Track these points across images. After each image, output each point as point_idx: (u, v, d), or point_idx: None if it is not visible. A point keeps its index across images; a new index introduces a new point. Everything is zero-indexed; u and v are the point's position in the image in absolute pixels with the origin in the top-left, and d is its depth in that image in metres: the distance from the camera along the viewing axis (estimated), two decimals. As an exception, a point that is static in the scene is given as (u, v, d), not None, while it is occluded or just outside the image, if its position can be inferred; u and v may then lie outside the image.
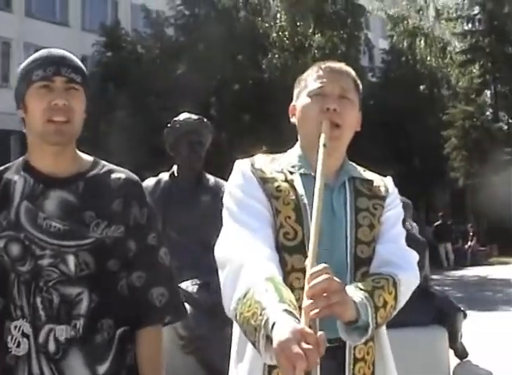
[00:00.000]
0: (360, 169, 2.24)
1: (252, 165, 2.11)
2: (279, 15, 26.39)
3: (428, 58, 34.91)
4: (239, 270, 1.84)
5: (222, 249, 1.97)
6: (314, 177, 1.97)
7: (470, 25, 35.32)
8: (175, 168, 4.30)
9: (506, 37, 33.57)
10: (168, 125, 4.34)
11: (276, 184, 2.06)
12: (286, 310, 1.62)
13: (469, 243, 27.88)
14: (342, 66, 2.21)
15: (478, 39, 34.41)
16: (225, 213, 2.07)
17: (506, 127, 34.04)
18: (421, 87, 33.84)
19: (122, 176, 2.18)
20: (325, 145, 2.00)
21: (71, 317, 2.02)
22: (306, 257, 1.85)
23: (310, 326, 1.58)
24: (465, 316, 4.90)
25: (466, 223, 30.60)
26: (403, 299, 2.00)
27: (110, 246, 2.07)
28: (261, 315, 1.66)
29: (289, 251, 1.98)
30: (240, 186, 2.07)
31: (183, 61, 24.15)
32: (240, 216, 2.00)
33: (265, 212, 2.01)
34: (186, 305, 3.62)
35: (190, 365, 3.82)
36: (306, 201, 2.02)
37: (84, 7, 31.84)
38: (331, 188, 2.08)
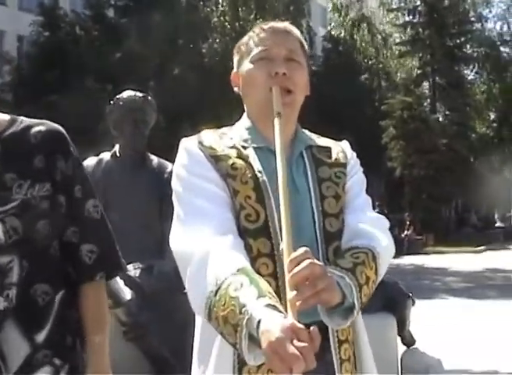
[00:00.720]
0: (313, 136, 2.09)
1: (200, 142, 1.92)
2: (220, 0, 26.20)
3: (370, 48, 35.21)
4: (204, 263, 1.67)
5: (180, 241, 1.79)
6: (270, 150, 1.86)
7: (410, 16, 35.72)
8: (117, 147, 4.08)
9: (445, 30, 34.15)
10: (111, 102, 4.12)
11: (230, 162, 1.87)
12: (269, 305, 1.49)
13: (405, 232, 28.31)
14: (286, 25, 2.05)
15: (418, 31, 34.88)
16: (175, 199, 1.88)
17: (442, 119, 34.63)
18: (362, 78, 34.08)
19: (42, 128, 1.97)
20: (279, 114, 1.84)
21: (3, 287, 1.84)
22: (271, 240, 1.77)
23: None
24: (413, 302, 4.85)
25: (402, 213, 31.06)
26: (382, 272, 1.88)
27: (37, 207, 1.88)
28: (241, 313, 1.51)
29: (252, 235, 1.80)
30: (189, 167, 1.88)
31: (123, 44, 23.74)
32: (193, 201, 1.81)
33: (222, 194, 1.83)
34: (128, 290, 3.56)
35: (133, 352, 3.62)
36: (265, 177, 1.85)
37: (22, -15, 31.03)
38: (288, 160, 1.90)
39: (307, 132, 2.08)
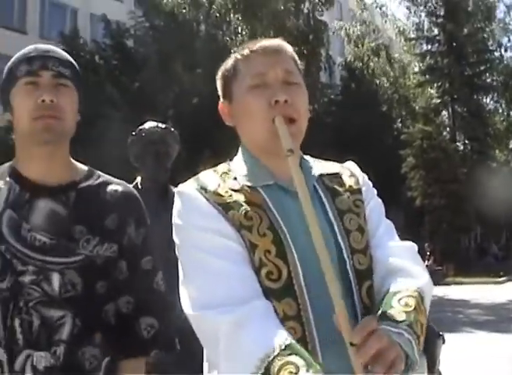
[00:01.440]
0: (314, 162, 1.87)
1: (203, 188, 1.68)
2: (239, 28, 26.26)
3: (386, 78, 35.18)
4: (235, 339, 1.46)
5: (196, 309, 1.56)
6: (281, 188, 1.71)
7: (429, 45, 35.68)
8: (138, 180, 3.97)
9: (464, 59, 34.01)
10: (133, 133, 4.02)
11: (242, 210, 1.64)
12: None
13: (426, 262, 27.99)
14: (278, 43, 1.80)
15: (437, 60, 34.79)
16: (181, 257, 1.66)
17: (462, 148, 34.44)
18: (381, 107, 34.00)
19: (120, 189, 1.94)
20: (291, 151, 1.61)
21: (51, 343, 1.74)
22: (297, 300, 1.59)
23: None
24: (444, 341, 4.68)
25: (422, 243, 30.76)
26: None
27: (100, 266, 1.82)
28: None
29: (276, 295, 1.58)
30: (194, 220, 1.64)
31: (142, 73, 23.83)
32: (206, 260, 1.58)
33: (238, 249, 1.60)
34: None
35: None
36: (283, 225, 1.64)
37: (43, 14, 31.40)
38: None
39: (308, 158, 1.87)
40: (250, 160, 1.77)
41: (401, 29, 36.61)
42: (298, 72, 1.80)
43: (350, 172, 1.89)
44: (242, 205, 1.65)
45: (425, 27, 35.74)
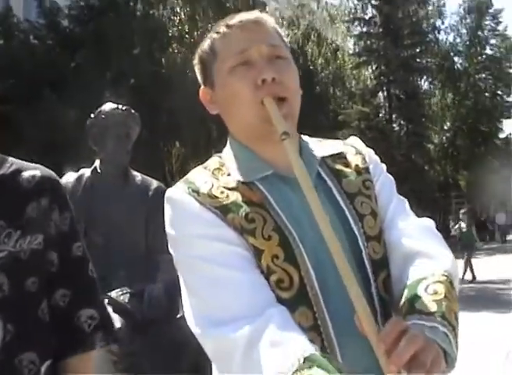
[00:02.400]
0: (315, 142, 1.68)
1: (195, 191, 1.50)
2: (177, 8, 25.96)
3: (322, 60, 35.31)
4: (250, 359, 1.30)
5: (207, 324, 1.39)
6: (279, 177, 1.53)
7: (365, 27, 35.91)
8: (97, 163, 3.82)
9: (400, 41, 34.34)
10: (92, 116, 3.86)
11: (242, 212, 1.46)
12: None
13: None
14: (257, 15, 1.61)
15: (373, 41, 35.05)
16: (185, 274, 1.49)
17: (397, 129, 34.89)
18: (317, 88, 34.13)
19: (37, 173, 1.72)
20: (286, 134, 1.43)
21: None
22: (312, 308, 1.42)
23: None
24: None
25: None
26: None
27: (27, 261, 1.61)
28: None
29: (289, 305, 1.40)
30: (191, 228, 1.46)
31: (78, 53, 23.34)
32: (211, 270, 1.41)
33: (244, 253, 1.43)
34: (117, 317, 3.29)
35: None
36: (287, 221, 1.47)
37: (-28, -8, 30.38)
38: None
39: (305, 138, 1.69)
40: (242, 151, 1.58)
41: (336, 11, 36.77)
42: (284, 45, 1.62)
43: (355, 149, 1.69)
44: (241, 206, 1.47)
45: (362, 9, 35.97)
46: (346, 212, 1.53)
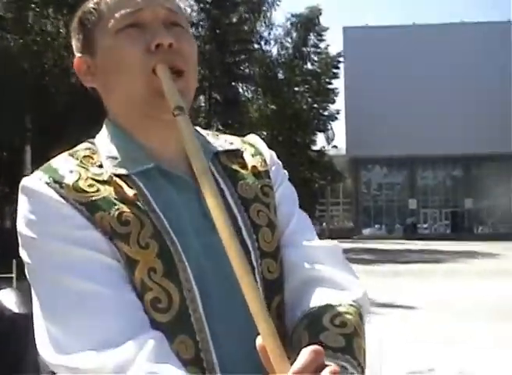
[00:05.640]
0: (206, 134, 1.42)
1: (56, 181, 1.19)
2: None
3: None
4: None
5: (62, 351, 1.09)
6: (163, 172, 1.26)
7: (193, 29, 36.03)
8: None
9: (226, 47, 34.74)
10: None
11: (115, 210, 1.17)
12: None
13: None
14: None
15: (198, 45, 35.12)
16: (37, 286, 1.17)
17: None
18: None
19: None
20: (181, 109, 1.17)
21: None
22: (195, 337, 1.15)
23: None
24: None
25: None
26: None
27: None
28: None
29: (166, 332, 1.12)
30: (47, 228, 1.15)
31: None
32: (68, 283, 1.11)
33: (112, 263, 1.15)
34: None
35: None
36: (168, 226, 1.20)
37: None
38: (192, 185, 1.25)
39: (198, 129, 1.41)
40: (120, 137, 1.29)
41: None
42: (184, 15, 1.35)
43: (255, 149, 1.43)
44: (114, 204, 1.18)
45: (190, 11, 36.02)
46: (239, 221, 1.27)
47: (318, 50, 44.64)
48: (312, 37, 44.21)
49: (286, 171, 1.47)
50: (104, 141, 1.31)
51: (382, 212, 64.88)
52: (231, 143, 1.41)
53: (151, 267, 1.15)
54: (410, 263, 25.03)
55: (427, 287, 16.64)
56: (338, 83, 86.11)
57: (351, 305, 1.21)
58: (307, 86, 43.44)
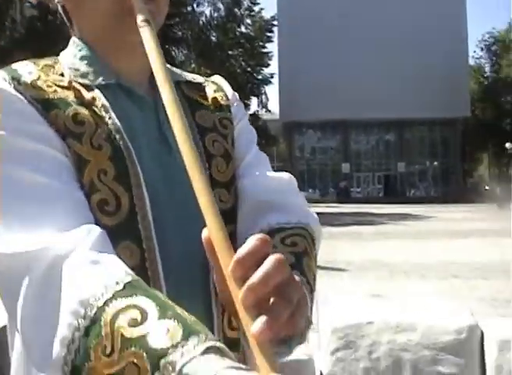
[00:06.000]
0: (170, 66, 1.36)
1: (14, 78, 1.15)
2: None
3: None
4: (55, 278, 0.93)
5: (2, 242, 1.00)
6: (124, 88, 1.23)
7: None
8: None
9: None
10: None
11: (71, 110, 1.15)
12: (213, 349, 0.79)
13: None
14: None
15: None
16: None
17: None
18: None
19: None
20: (147, 22, 1.14)
21: None
22: (141, 244, 1.11)
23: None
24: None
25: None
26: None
27: None
28: (156, 368, 0.78)
29: (111, 235, 1.05)
30: (2, 122, 1.11)
31: None
32: (16, 174, 1.05)
33: (63, 160, 1.10)
34: None
35: None
36: (124, 134, 1.17)
37: None
38: (150, 103, 1.25)
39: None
40: (86, 54, 1.26)
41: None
42: None
43: (217, 86, 1.43)
44: (70, 105, 1.15)
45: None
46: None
47: (252, 13, 44.33)
48: (246, 1, 43.94)
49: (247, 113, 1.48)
50: (68, 56, 1.28)
51: (316, 176, 65.62)
52: (193, 78, 1.42)
53: (102, 169, 1.12)
54: (344, 226, 25.30)
55: (362, 249, 16.89)
56: (272, 47, 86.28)
57: (303, 228, 1.22)
58: (240, 49, 43.24)
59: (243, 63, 43.68)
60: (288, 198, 1.30)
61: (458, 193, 58.97)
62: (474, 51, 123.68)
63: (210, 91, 1.40)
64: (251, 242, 0.85)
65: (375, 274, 12.24)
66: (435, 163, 64.85)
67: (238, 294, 0.81)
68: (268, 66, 46.92)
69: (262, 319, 0.78)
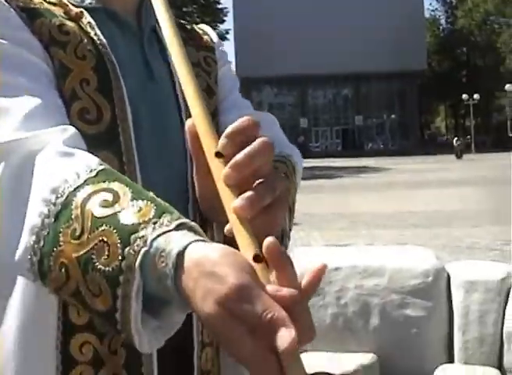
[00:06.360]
0: None
1: None
2: None
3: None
4: (27, 172, 0.89)
5: None
6: (110, 15, 1.20)
7: None
8: None
9: None
10: None
11: (56, 21, 1.12)
12: (185, 226, 0.76)
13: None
14: None
15: None
16: None
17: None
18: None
19: None
20: None
21: None
22: (121, 156, 1.08)
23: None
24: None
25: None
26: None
27: None
28: (127, 244, 0.74)
29: (90, 144, 0.98)
30: None
31: None
32: (4, 77, 1.03)
33: (43, 67, 1.07)
34: None
35: None
36: (108, 47, 1.14)
37: None
38: (137, 33, 1.23)
39: None
40: None
41: None
42: None
43: (203, 31, 1.42)
44: (56, 16, 1.13)
45: None
46: (176, 79, 1.21)
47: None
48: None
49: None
50: None
51: (275, 132, 65.60)
52: (181, 21, 1.40)
53: (85, 78, 1.10)
54: (304, 180, 25.12)
55: (322, 202, 16.96)
56: (227, 3, 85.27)
57: (285, 157, 1.22)
58: (195, 6, 42.77)
59: (197, 19, 43.19)
60: (273, 131, 1.29)
61: (416, 145, 59.60)
62: (430, 4, 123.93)
63: (196, 33, 1.39)
64: (241, 121, 0.84)
65: (337, 226, 12.33)
66: (393, 116, 65.28)
67: (220, 175, 0.81)
68: (223, 22, 46.51)
69: (244, 195, 0.77)
